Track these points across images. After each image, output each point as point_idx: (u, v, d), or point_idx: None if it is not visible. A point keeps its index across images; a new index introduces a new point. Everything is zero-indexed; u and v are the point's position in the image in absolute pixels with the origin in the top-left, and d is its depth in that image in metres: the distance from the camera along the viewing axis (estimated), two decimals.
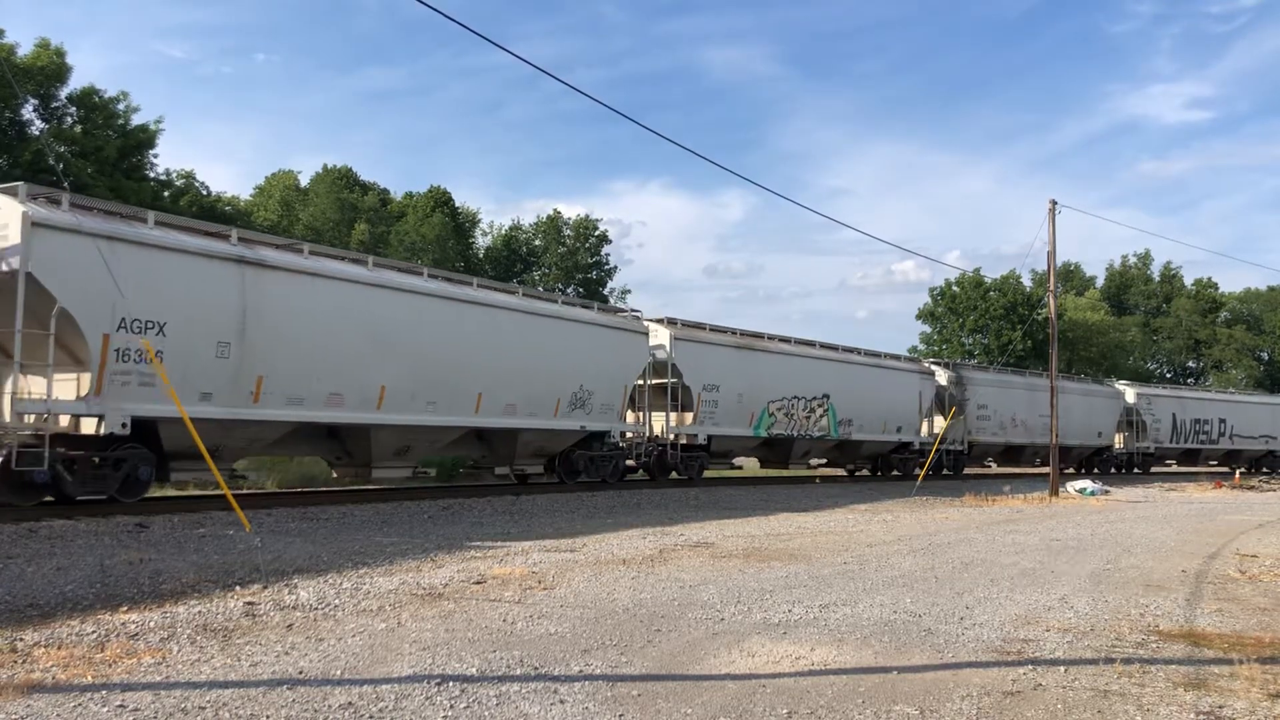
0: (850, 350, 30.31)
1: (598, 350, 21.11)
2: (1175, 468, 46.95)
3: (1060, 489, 25.55)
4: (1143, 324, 78.68)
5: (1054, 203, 26.37)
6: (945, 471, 32.88)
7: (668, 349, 23.30)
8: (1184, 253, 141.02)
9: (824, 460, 31.10)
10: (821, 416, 27.78)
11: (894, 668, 5.88)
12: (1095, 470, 40.18)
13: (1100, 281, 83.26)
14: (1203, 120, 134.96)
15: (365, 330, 16.06)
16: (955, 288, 63.73)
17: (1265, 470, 47.23)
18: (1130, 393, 42.23)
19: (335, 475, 18.55)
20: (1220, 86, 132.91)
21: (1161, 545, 13.25)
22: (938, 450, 32.52)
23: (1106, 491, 26.17)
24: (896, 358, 31.90)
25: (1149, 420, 42.09)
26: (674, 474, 23.99)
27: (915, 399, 31.75)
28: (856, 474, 32.23)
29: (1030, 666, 5.93)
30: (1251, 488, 32.70)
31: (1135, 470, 42.07)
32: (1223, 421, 45.79)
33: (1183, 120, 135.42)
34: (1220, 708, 5.13)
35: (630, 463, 23.53)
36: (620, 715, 4.82)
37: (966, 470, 35.28)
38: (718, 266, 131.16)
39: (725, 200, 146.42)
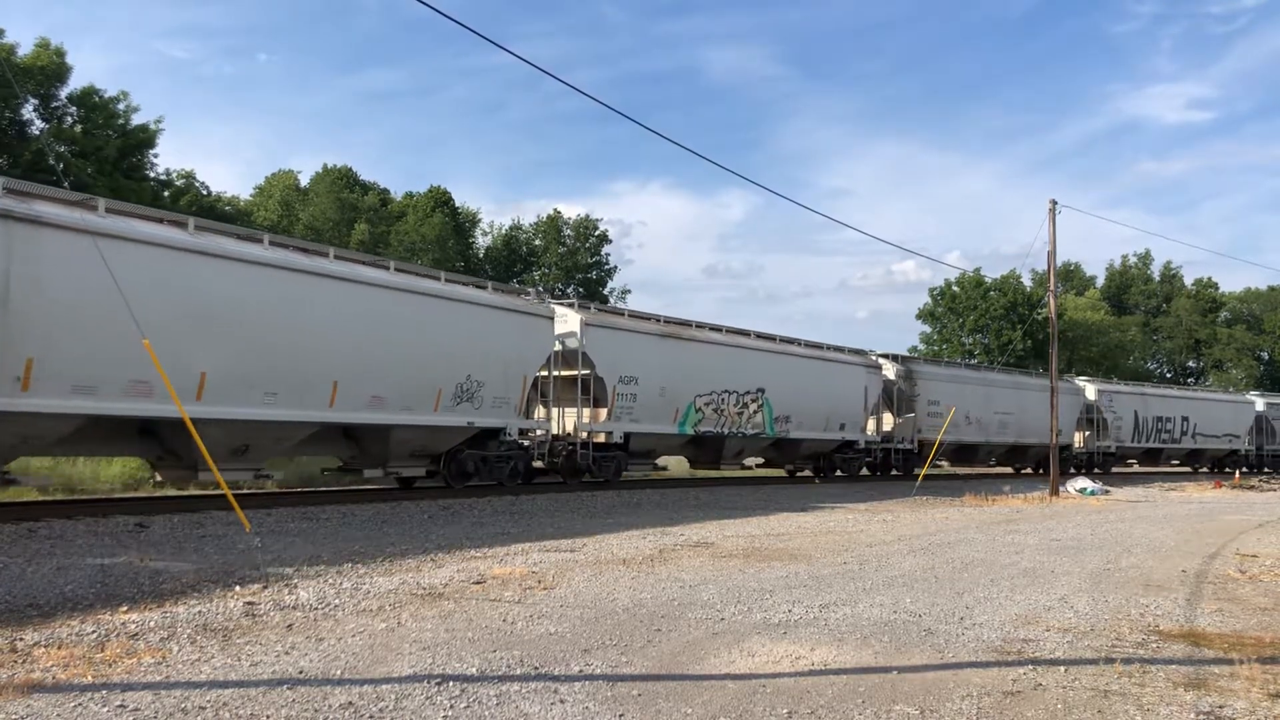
0: (789, 341, 27.86)
1: (490, 335, 18.37)
2: (1137, 468, 45.02)
3: (1060, 488, 25.57)
4: (1143, 324, 78.73)
5: (1054, 202, 26.39)
6: (894, 472, 31.47)
7: (578, 336, 20.72)
8: (1184, 252, 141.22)
9: (760, 460, 29.11)
10: (756, 412, 25.31)
11: (894, 668, 5.88)
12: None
13: (1100, 281, 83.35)
14: (1203, 120, 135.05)
15: (182, 305, 13.38)
16: (955, 288, 63.80)
17: (1229, 469, 45.66)
18: (1091, 389, 39.85)
19: (159, 478, 15.76)
20: (1221, 87, 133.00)
21: (1161, 545, 13.25)
22: (885, 449, 30.81)
23: (1106, 491, 26.20)
24: (840, 350, 29.53)
25: (1110, 418, 39.79)
26: (586, 476, 21.46)
27: (860, 394, 29.46)
28: (798, 475, 29.82)
29: (1030, 666, 5.94)
30: (1251, 487, 32.71)
31: (1095, 470, 39.10)
32: (1185, 420, 43.77)
33: (1184, 120, 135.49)
34: (1220, 708, 5.13)
35: (539, 464, 21.08)
36: (620, 715, 4.82)
37: (917, 470, 33.44)
38: (718, 267, 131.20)
39: (726, 200, 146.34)
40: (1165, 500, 24.69)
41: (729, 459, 25.84)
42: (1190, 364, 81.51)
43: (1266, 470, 46.82)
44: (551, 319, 20.37)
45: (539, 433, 20.57)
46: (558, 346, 20.65)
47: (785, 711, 4.92)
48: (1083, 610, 7.97)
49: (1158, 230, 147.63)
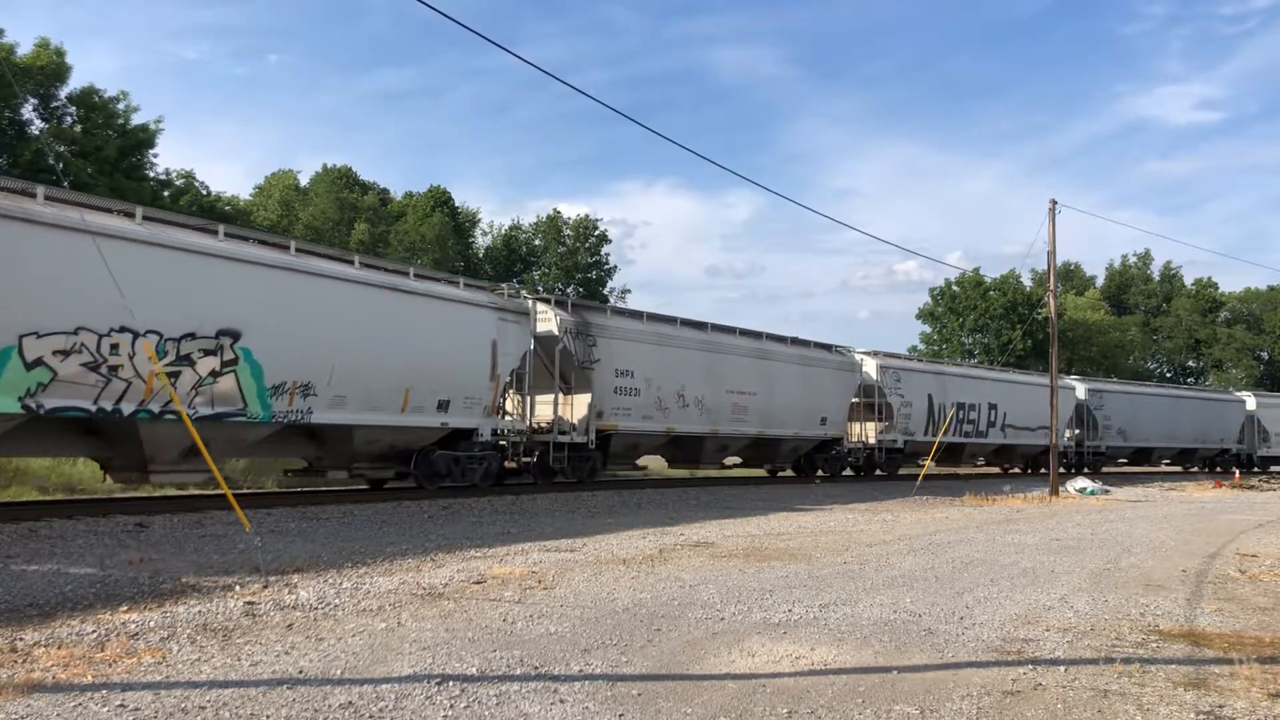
0: (312, 253, 15.90)
1: None
2: (934, 468, 35.61)
3: (1060, 488, 25.62)
4: (1143, 324, 78.77)
5: (1054, 202, 26.38)
6: (559, 478, 20.91)
7: None
8: (1185, 252, 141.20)
9: (297, 460, 17.42)
10: (219, 376, 13.79)
11: (894, 667, 5.88)
12: (820, 472, 28.96)
13: (1100, 281, 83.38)
14: (1211, 121, 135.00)
15: None
16: (955, 287, 63.79)
17: (1044, 470, 35.64)
18: (870, 364, 30.14)
19: None
20: (1229, 87, 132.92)
21: (1161, 545, 13.25)
22: (543, 443, 20.24)
23: (1107, 491, 26.26)
24: (452, 281, 18.80)
25: (897, 403, 30.40)
26: None
27: (485, 356, 18.26)
28: (384, 485, 18.97)
29: (1030, 666, 5.94)
30: (1252, 487, 32.74)
31: (877, 473, 30.97)
32: (993, 408, 34.55)
33: (1191, 121, 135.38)
34: (1220, 707, 5.13)
35: None
36: (620, 715, 4.82)
37: (602, 477, 22.34)
38: (720, 267, 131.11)
39: (731, 201, 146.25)
40: (1165, 500, 24.72)
41: (168, 462, 13.85)
42: (1190, 364, 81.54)
43: (1086, 470, 37.91)
44: None
45: None
46: None
47: (785, 711, 4.92)
48: (1083, 610, 7.97)
49: (1160, 230, 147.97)
